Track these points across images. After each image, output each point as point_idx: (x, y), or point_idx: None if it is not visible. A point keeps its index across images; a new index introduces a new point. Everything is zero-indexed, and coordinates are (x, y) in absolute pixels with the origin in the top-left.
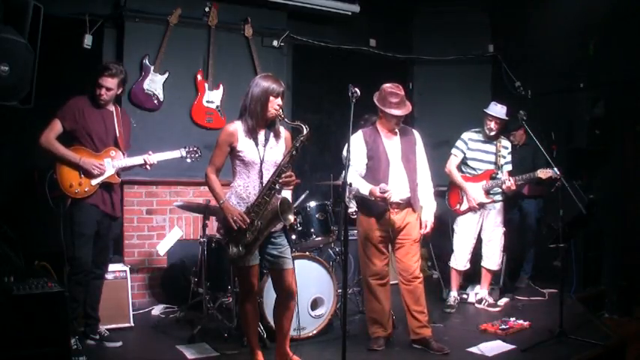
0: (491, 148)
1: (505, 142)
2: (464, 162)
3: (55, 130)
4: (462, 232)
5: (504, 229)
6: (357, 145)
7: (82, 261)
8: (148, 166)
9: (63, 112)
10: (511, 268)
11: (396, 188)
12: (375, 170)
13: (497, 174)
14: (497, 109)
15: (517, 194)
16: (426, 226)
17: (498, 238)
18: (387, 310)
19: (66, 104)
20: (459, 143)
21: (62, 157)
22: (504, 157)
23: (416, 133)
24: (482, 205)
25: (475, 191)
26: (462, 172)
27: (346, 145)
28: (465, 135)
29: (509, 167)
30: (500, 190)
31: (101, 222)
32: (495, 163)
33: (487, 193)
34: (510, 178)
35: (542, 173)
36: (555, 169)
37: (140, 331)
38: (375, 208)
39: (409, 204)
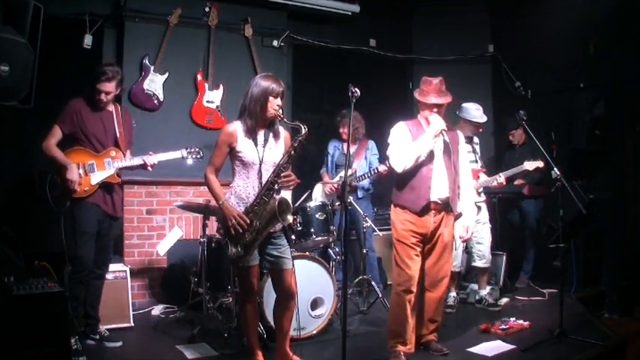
0: (468, 147)
1: (475, 138)
2: None
3: (55, 136)
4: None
5: (491, 225)
6: (401, 132)
7: (83, 260)
8: (149, 167)
9: (62, 117)
10: (511, 268)
11: (438, 186)
12: (418, 164)
13: (483, 172)
14: (480, 114)
15: (515, 194)
16: (467, 231)
17: (486, 236)
18: (412, 324)
19: (64, 108)
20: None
21: (57, 162)
22: (478, 153)
23: (460, 134)
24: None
25: None
26: None
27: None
28: None
29: (481, 162)
30: (482, 189)
31: (102, 221)
32: (476, 161)
33: (477, 192)
34: (500, 174)
35: (529, 165)
36: (555, 169)
37: (140, 331)
38: (415, 201)
39: (448, 205)
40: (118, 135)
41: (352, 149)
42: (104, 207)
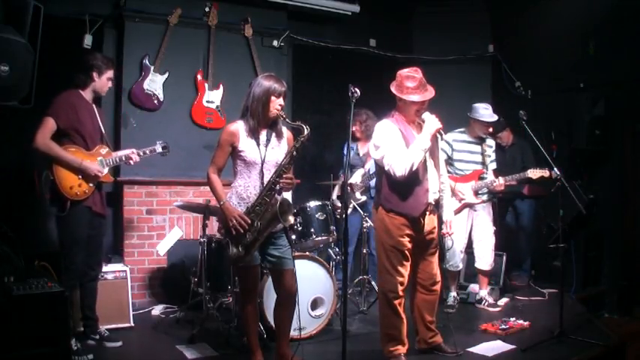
0: (476, 148)
1: (490, 141)
2: (450, 163)
3: (50, 130)
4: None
5: (495, 228)
6: (392, 133)
7: (76, 267)
8: (131, 162)
9: (55, 110)
10: (508, 268)
11: (432, 188)
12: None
13: (486, 174)
14: (489, 114)
15: (515, 194)
16: (450, 226)
17: (489, 238)
18: (405, 323)
19: (56, 101)
20: (441, 144)
21: (62, 160)
22: (490, 156)
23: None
24: (471, 205)
25: (464, 190)
26: (449, 172)
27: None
28: (449, 136)
29: (494, 165)
30: (487, 190)
31: (92, 223)
32: (483, 163)
33: (476, 193)
34: (500, 177)
35: (533, 173)
36: (555, 169)
37: (140, 331)
38: (415, 206)
39: (436, 205)
40: (103, 131)
41: (365, 149)
42: (94, 208)
